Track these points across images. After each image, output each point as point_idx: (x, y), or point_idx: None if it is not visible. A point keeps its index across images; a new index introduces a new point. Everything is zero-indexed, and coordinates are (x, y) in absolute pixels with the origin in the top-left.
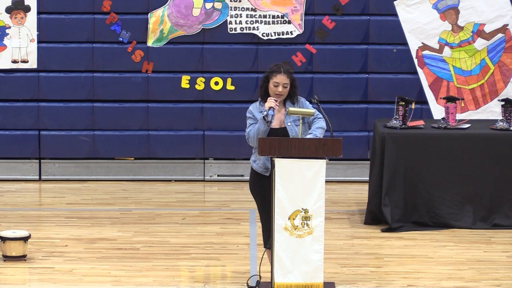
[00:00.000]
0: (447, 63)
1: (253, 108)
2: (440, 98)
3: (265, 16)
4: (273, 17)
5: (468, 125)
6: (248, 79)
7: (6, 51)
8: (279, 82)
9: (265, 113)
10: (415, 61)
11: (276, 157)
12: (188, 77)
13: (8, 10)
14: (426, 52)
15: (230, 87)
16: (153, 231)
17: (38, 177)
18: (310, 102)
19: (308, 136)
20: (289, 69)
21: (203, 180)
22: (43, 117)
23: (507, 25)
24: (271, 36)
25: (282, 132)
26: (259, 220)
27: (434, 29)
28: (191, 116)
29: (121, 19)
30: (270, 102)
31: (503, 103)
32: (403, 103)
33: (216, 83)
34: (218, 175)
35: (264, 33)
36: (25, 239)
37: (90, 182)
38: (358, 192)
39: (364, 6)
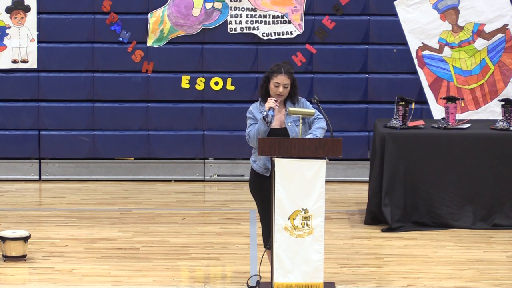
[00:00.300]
0: (447, 63)
1: (253, 108)
2: (440, 98)
3: (265, 16)
4: (273, 17)
5: (468, 125)
6: (248, 79)
7: (6, 51)
8: (280, 82)
9: (265, 113)
10: (415, 61)
11: (276, 157)
12: (188, 77)
13: (8, 10)
14: (426, 52)
15: (230, 87)
16: (153, 231)
17: (38, 177)
18: (310, 102)
19: (308, 136)
20: (289, 69)
21: (203, 180)
22: (43, 117)
23: (507, 25)
24: (271, 36)
25: (282, 132)
26: (259, 220)
27: (434, 29)
28: (191, 116)
29: (121, 19)
30: (270, 102)
31: (503, 103)
32: (403, 103)
33: (216, 83)
34: (218, 175)
35: (264, 33)
36: (25, 239)
37: (90, 182)
38: (358, 192)
39: (364, 6)
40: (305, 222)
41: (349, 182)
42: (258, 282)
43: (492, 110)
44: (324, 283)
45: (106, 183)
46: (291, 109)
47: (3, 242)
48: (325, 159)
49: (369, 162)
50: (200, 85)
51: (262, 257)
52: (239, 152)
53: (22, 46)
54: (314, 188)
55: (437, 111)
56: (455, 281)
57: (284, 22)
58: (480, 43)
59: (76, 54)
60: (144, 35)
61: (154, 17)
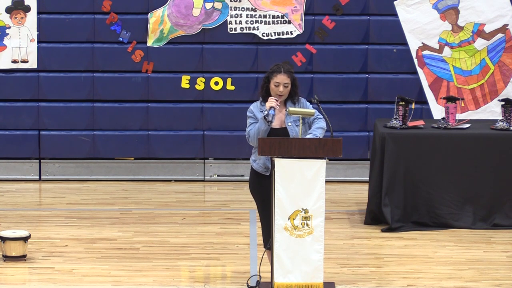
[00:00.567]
0: (447, 63)
1: (254, 108)
2: (440, 98)
3: (265, 16)
4: (273, 17)
5: (468, 125)
6: (248, 79)
7: (6, 51)
8: (280, 82)
9: (266, 112)
10: (415, 61)
11: (276, 157)
12: (188, 77)
13: (8, 10)
14: (426, 52)
15: (230, 87)
16: (153, 231)
17: (38, 177)
18: (310, 102)
19: (308, 136)
20: (289, 69)
21: (203, 180)
22: (43, 117)
23: (507, 25)
24: (271, 36)
25: (282, 132)
26: (259, 220)
27: (434, 29)
28: (191, 116)
29: (121, 19)
30: (271, 101)
31: (503, 103)
32: (403, 103)
33: (216, 83)
34: (218, 175)
35: (264, 33)
36: (25, 239)
37: (90, 182)
38: (358, 192)
39: (364, 6)
40: (305, 222)
41: (349, 182)
42: (258, 282)
43: (492, 110)
44: (324, 283)
45: (106, 183)
46: (291, 109)
47: (3, 242)
48: (325, 159)
49: (369, 162)
50: (200, 85)
51: (262, 257)
52: (239, 152)
53: (22, 46)
54: (314, 188)
55: (437, 111)
56: (455, 281)
57: (284, 22)
58: (480, 43)
59: (76, 54)
60: (144, 35)
61: (154, 17)
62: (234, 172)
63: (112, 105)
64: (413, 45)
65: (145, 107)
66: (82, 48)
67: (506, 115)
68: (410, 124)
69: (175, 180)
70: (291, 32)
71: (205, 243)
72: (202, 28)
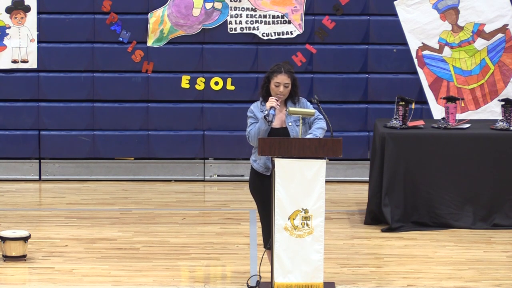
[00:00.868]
0: (447, 63)
1: (254, 108)
2: (440, 98)
3: (265, 16)
4: (273, 17)
5: (468, 125)
6: (248, 79)
7: (6, 51)
8: (280, 82)
9: (266, 112)
10: (415, 61)
11: (276, 157)
12: (188, 77)
13: (8, 10)
14: (426, 52)
15: (230, 87)
16: (153, 231)
17: (38, 177)
18: (310, 102)
19: (308, 136)
20: (290, 69)
21: (203, 180)
22: (43, 117)
23: (507, 25)
24: (271, 36)
25: (283, 132)
26: (259, 220)
27: (434, 29)
28: (191, 116)
29: (121, 19)
30: (272, 101)
31: (503, 103)
32: (403, 103)
33: (216, 83)
34: (218, 175)
35: (264, 33)
36: (25, 239)
37: (90, 182)
38: (358, 192)
39: (364, 6)
40: (305, 222)
41: (349, 182)
42: (258, 282)
43: (492, 110)
44: (324, 283)
45: (106, 183)
46: (291, 109)
47: (3, 242)
48: (325, 159)
49: (369, 162)
50: (200, 85)
51: (262, 257)
52: (239, 152)
53: (22, 46)
54: (314, 188)
55: (437, 111)
56: (455, 281)
57: (284, 22)
58: (480, 43)
59: (76, 54)
60: (144, 35)
61: (154, 17)
62: (234, 172)
63: (112, 105)
64: (413, 45)
65: (145, 107)
66: (82, 48)
67: (506, 115)
68: (410, 124)
69: (175, 180)
70: (291, 32)
71: (205, 243)
72: (202, 28)
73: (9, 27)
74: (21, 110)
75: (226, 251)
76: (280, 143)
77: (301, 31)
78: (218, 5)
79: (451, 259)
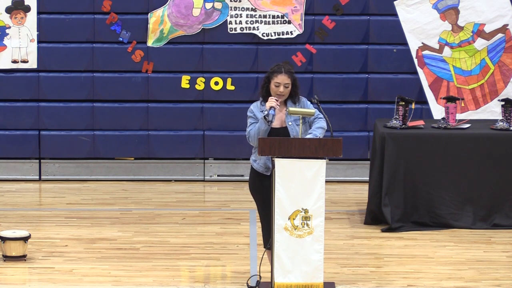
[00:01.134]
0: (447, 63)
1: (254, 107)
2: (440, 98)
3: (265, 16)
4: (273, 17)
5: (468, 125)
6: (248, 79)
7: (6, 51)
8: (280, 82)
9: (266, 112)
10: (415, 61)
11: (276, 157)
12: (188, 77)
13: (8, 10)
14: (426, 52)
15: (230, 87)
16: (153, 231)
17: (38, 177)
18: (310, 102)
19: (308, 136)
20: (290, 69)
21: (203, 180)
22: (43, 117)
23: (507, 25)
24: (271, 36)
25: (283, 131)
26: (259, 220)
27: (434, 29)
28: (191, 116)
29: (121, 19)
30: (271, 101)
31: (503, 103)
32: (403, 103)
33: (216, 83)
34: (218, 175)
35: (264, 33)
36: (25, 239)
37: (90, 182)
38: (358, 192)
39: (364, 6)
40: (305, 222)
41: (349, 182)
42: (258, 282)
43: (492, 110)
44: (324, 283)
45: (106, 183)
46: (291, 109)
47: (3, 242)
48: (325, 159)
49: (369, 162)
50: (200, 85)
51: (262, 257)
52: (239, 152)
53: (22, 46)
54: (314, 188)
55: (437, 111)
56: (455, 281)
57: (284, 22)
58: (480, 43)
59: (76, 54)
60: (144, 35)
61: (154, 17)
62: (234, 172)
63: (112, 105)
64: (413, 45)
65: (145, 107)
66: (82, 48)
67: (506, 115)
68: (410, 124)
69: (175, 180)
70: (291, 32)
71: (205, 243)
72: (202, 28)
73: (9, 27)
74: (21, 110)
75: (226, 251)
76: (280, 143)
77: (301, 31)
78: (218, 5)
79: (451, 259)
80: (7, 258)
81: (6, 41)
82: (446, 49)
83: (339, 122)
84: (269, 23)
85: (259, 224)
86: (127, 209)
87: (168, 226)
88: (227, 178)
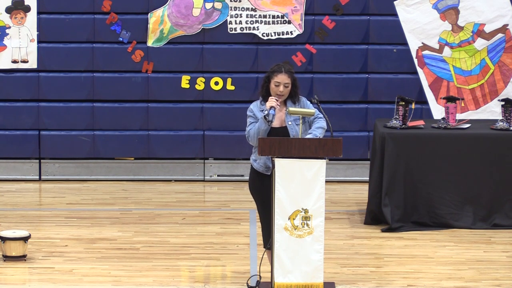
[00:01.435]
0: (447, 63)
1: (254, 107)
2: (440, 98)
3: (265, 16)
4: (273, 17)
5: (468, 125)
6: (248, 79)
7: (6, 51)
8: (280, 81)
9: (266, 112)
10: (415, 61)
11: (276, 157)
12: (188, 77)
13: (8, 10)
14: (426, 52)
15: (230, 87)
16: (153, 231)
17: (38, 177)
18: (310, 102)
19: (308, 136)
20: (290, 68)
21: (203, 180)
22: (43, 117)
23: (507, 25)
24: (271, 36)
25: (282, 131)
26: (259, 220)
27: (434, 29)
28: (191, 116)
29: (121, 19)
30: (271, 101)
31: (503, 103)
32: (403, 103)
33: (216, 83)
34: (218, 175)
35: (264, 33)
36: (25, 239)
37: (90, 182)
38: (358, 192)
39: (364, 6)
40: (305, 222)
41: (349, 182)
42: (258, 282)
43: (492, 110)
44: (324, 283)
45: (106, 183)
46: (291, 109)
47: (3, 242)
48: (325, 159)
49: (369, 162)
50: (200, 85)
51: (262, 257)
52: (239, 152)
53: (22, 46)
54: (314, 188)
55: (437, 111)
56: (455, 281)
57: (284, 22)
58: (480, 43)
59: (76, 54)
60: (144, 35)
61: (154, 17)
62: (234, 172)
63: (112, 105)
64: (413, 45)
65: (145, 107)
66: (82, 48)
67: (506, 115)
68: (410, 124)
69: (175, 180)
70: (291, 32)
71: (205, 243)
72: (202, 28)
73: (9, 27)
74: (21, 110)
75: (226, 251)
76: (280, 143)
77: (301, 31)
78: (218, 5)
79: (451, 259)
80: (7, 258)
81: (6, 41)
82: (446, 49)
83: (339, 122)
84: (269, 23)
85: (259, 224)
86: (127, 209)
87: (168, 226)
88: (227, 178)
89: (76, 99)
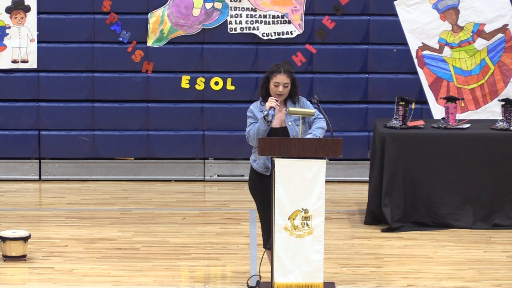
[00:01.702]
0: (447, 63)
1: (254, 107)
2: (440, 98)
3: (265, 16)
4: (273, 17)
5: (468, 125)
6: (248, 79)
7: (6, 51)
8: (280, 82)
9: (265, 112)
10: (415, 61)
11: (276, 157)
12: (188, 77)
13: (8, 10)
14: (426, 52)
15: (230, 87)
16: (153, 231)
17: (38, 177)
18: (310, 102)
19: (308, 136)
20: (289, 68)
21: (203, 180)
22: (43, 117)
23: (507, 25)
24: (271, 36)
25: (282, 131)
26: (259, 220)
27: (434, 29)
28: (191, 116)
29: (121, 19)
30: (271, 101)
31: (503, 103)
32: (403, 103)
33: (216, 83)
34: (218, 175)
35: (264, 33)
36: (25, 239)
37: (90, 182)
38: (358, 192)
39: (364, 6)
40: (305, 222)
41: (349, 182)
42: (258, 282)
43: (492, 110)
44: (324, 283)
45: (106, 183)
46: (291, 109)
47: (3, 242)
48: (325, 159)
49: (369, 162)
50: (200, 85)
51: (262, 257)
52: (239, 152)
53: (22, 46)
54: (314, 188)
55: (437, 111)
56: (455, 281)
57: (284, 22)
58: (480, 43)
59: (76, 54)
60: (144, 35)
61: (154, 17)
62: (234, 172)
63: (112, 105)
64: (413, 45)
65: (145, 107)
66: (82, 48)
67: (506, 115)
68: (410, 124)
69: (175, 180)
70: (291, 32)
71: (205, 243)
72: (202, 28)
73: (9, 27)
74: (21, 110)
75: (226, 251)
76: (280, 143)
77: (301, 31)
78: (218, 5)
79: (451, 259)
80: (7, 258)
81: (6, 41)
82: (446, 49)
83: (339, 122)
84: (269, 23)
85: (259, 224)
86: (127, 209)
87: (168, 226)
88: (227, 178)
89: (76, 99)
